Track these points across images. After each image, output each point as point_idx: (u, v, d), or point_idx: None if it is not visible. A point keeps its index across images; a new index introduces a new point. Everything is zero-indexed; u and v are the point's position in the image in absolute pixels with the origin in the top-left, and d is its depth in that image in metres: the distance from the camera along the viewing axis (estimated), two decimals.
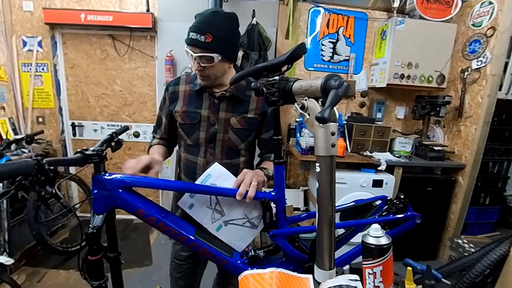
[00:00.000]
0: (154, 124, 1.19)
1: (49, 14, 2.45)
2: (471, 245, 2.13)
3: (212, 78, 0.99)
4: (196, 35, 0.90)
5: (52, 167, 0.71)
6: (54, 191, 0.76)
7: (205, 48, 0.91)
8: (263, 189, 0.95)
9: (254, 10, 2.41)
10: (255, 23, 2.39)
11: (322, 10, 2.61)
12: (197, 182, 0.91)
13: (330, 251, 0.60)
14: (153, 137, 1.19)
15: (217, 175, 0.91)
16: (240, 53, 2.34)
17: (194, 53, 0.92)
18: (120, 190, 0.81)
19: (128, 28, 2.55)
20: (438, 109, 2.32)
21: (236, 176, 0.90)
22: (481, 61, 2.20)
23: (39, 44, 2.61)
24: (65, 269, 2.10)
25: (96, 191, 0.81)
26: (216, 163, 0.93)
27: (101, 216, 0.81)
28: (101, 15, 2.46)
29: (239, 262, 0.90)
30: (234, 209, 0.91)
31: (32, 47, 2.61)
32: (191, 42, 0.92)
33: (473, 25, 2.28)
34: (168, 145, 1.18)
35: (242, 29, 2.41)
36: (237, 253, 0.93)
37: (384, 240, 0.61)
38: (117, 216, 0.90)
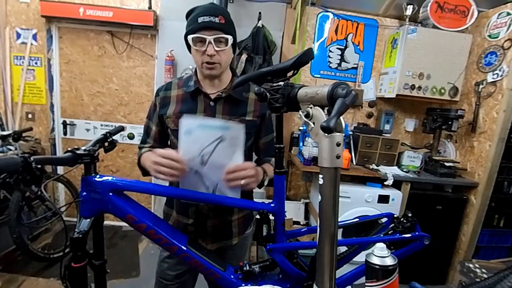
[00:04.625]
0: (142, 135, 1.14)
1: (46, 7, 2.49)
2: (483, 270, 2.10)
3: (223, 65, 0.99)
4: (209, 17, 0.93)
5: (39, 166, 0.71)
6: (39, 191, 0.76)
7: (220, 29, 0.94)
8: (262, 200, 0.94)
9: (260, 13, 2.45)
10: (260, 26, 2.43)
11: (331, 16, 2.65)
12: (209, 121, 0.89)
13: (331, 270, 0.59)
14: (141, 148, 1.11)
15: (234, 135, 0.85)
16: (244, 56, 2.36)
17: (208, 36, 0.93)
18: (111, 194, 0.81)
19: (129, 25, 2.60)
20: (450, 123, 2.33)
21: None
22: (497, 74, 2.22)
23: (34, 37, 2.65)
24: (45, 277, 2.07)
25: (85, 193, 0.81)
26: (244, 125, 0.88)
27: (88, 220, 0.81)
28: (101, 10, 2.50)
29: (232, 277, 0.89)
30: (213, 172, 0.87)
31: (26, 39, 2.64)
32: (205, 25, 0.93)
33: (489, 36, 2.31)
34: None
35: (247, 32, 2.45)
36: (231, 267, 0.92)
37: (389, 261, 0.60)
38: (105, 222, 0.89)
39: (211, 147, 0.85)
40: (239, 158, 0.87)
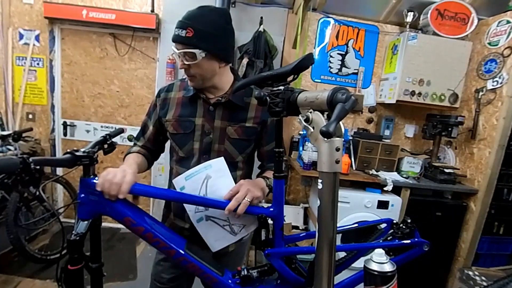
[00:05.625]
0: (138, 131, 1.14)
1: (49, 8, 2.51)
2: (483, 278, 2.09)
3: (199, 78, 0.96)
4: (178, 30, 0.90)
5: (38, 167, 0.71)
6: (38, 192, 0.76)
7: (186, 44, 0.90)
8: (261, 204, 0.94)
9: (262, 17, 2.47)
10: (262, 30, 2.45)
11: (332, 21, 2.67)
12: (193, 170, 0.91)
13: (329, 276, 0.59)
14: (134, 144, 1.12)
15: (217, 168, 0.91)
16: (245, 61, 2.38)
17: (177, 50, 0.92)
18: None
19: (131, 28, 2.61)
20: (450, 129, 2.33)
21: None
22: (497, 81, 2.23)
23: (36, 38, 2.66)
24: (41, 278, 2.05)
25: (83, 195, 0.81)
26: (222, 158, 0.93)
27: (86, 222, 0.81)
28: (103, 12, 2.52)
29: (230, 281, 0.88)
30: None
31: (28, 40, 2.66)
32: (173, 39, 0.92)
33: (489, 44, 2.32)
34: (149, 156, 1.12)
35: (249, 36, 2.46)
36: (229, 272, 0.91)
37: (388, 267, 0.60)
38: (103, 224, 0.89)
39: (203, 188, 0.90)
40: (230, 185, 0.90)
